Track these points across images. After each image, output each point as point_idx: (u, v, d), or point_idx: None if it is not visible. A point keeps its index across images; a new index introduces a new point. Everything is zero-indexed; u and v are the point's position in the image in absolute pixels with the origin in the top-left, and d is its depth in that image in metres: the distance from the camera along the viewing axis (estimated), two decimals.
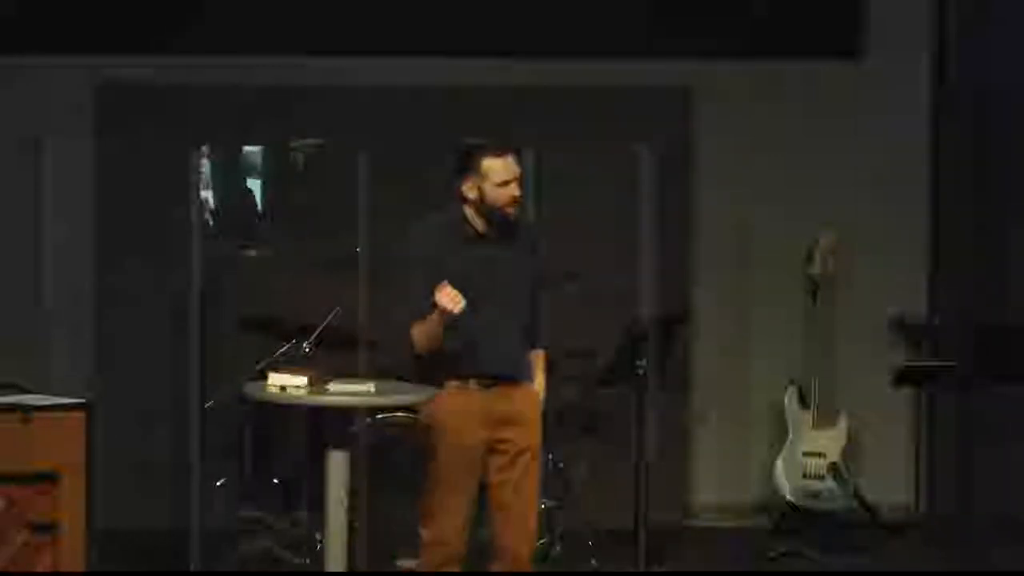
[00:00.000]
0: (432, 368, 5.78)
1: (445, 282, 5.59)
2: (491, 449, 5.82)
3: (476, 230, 5.83)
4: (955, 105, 8.27)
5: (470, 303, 5.61)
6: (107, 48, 7.95)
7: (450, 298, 5.56)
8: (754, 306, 8.27)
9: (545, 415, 6.00)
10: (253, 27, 8.00)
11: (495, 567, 5.87)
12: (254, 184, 8.11)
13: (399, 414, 6.65)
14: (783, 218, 8.19)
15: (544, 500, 7.17)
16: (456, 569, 5.85)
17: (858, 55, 8.28)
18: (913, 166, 8.34)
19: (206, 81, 7.94)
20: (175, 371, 7.36)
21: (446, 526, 5.78)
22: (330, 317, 7.03)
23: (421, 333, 5.71)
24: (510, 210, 5.78)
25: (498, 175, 5.74)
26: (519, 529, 5.83)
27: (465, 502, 5.81)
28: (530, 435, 5.86)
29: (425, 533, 5.83)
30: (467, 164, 5.80)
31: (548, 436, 7.17)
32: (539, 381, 6.00)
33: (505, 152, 5.77)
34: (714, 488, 8.30)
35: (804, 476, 7.90)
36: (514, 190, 5.75)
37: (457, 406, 5.75)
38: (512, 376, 5.84)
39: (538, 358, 6.01)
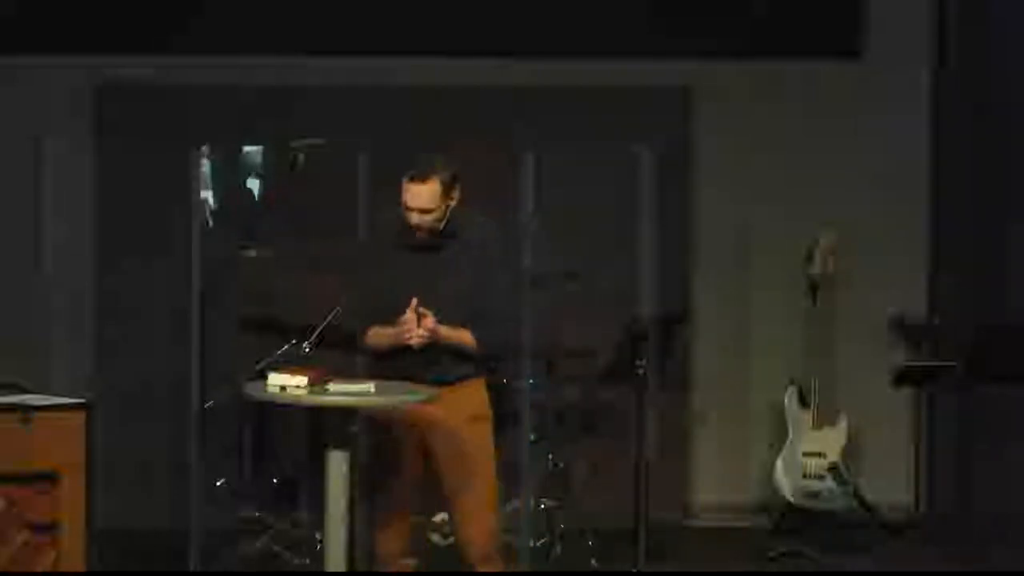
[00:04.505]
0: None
1: (413, 315, 5.63)
2: (426, 453, 5.81)
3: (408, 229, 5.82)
4: (955, 105, 8.27)
5: (400, 305, 5.64)
6: (107, 48, 7.96)
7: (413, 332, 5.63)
8: (754, 306, 8.27)
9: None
10: (253, 27, 8.00)
11: (463, 566, 5.88)
12: (254, 184, 8.10)
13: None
14: (783, 218, 8.19)
15: (544, 500, 7.18)
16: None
17: (858, 55, 8.28)
18: (913, 166, 8.34)
19: (206, 81, 7.94)
20: (175, 371, 7.35)
21: (392, 529, 5.82)
22: (330, 317, 7.01)
23: (376, 337, 5.76)
24: (419, 233, 5.75)
25: (407, 198, 5.73)
26: (477, 524, 5.81)
27: (404, 503, 5.84)
28: (472, 434, 5.82)
29: (377, 536, 5.85)
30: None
31: (547, 436, 7.22)
32: (464, 336, 5.83)
33: (426, 180, 5.70)
34: (714, 488, 8.30)
35: (804, 476, 7.90)
36: (414, 217, 5.72)
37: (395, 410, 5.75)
38: (443, 379, 5.81)
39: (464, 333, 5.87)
